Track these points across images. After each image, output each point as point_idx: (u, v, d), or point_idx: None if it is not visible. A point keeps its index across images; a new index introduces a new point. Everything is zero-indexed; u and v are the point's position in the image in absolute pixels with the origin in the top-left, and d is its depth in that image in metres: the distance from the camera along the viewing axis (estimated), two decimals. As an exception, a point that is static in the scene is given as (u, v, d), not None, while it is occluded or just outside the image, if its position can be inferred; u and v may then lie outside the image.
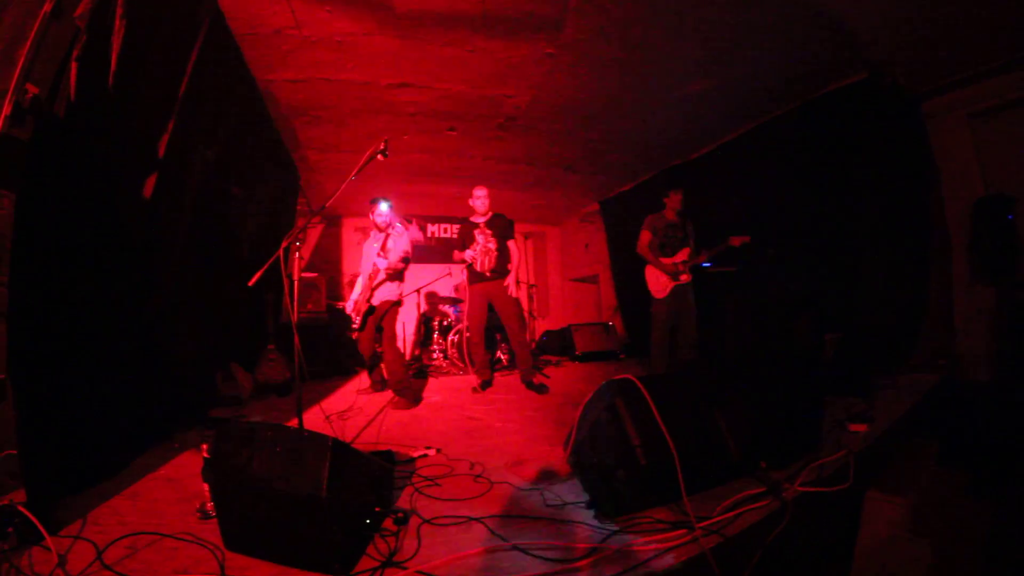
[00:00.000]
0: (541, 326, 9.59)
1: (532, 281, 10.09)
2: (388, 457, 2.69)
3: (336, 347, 6.40)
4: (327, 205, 2.98)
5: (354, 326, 4.44)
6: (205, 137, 3.45)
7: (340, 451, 1.64)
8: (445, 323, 7.33)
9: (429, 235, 9.67)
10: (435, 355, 7.18)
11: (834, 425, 2.83)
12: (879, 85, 4.28)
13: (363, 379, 5.35)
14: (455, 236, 9.60)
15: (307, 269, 7.84)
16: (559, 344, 7.75)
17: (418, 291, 7.46)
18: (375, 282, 4.29)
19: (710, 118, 5.39)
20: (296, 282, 2.65)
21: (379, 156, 2.82)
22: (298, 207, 7.20)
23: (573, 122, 5.54)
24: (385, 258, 4.20)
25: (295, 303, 2.46)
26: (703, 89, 4.68)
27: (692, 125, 5.58)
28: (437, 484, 2.37)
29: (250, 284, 2.46)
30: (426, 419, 3.91)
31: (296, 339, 2.30)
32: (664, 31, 3.81)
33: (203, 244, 3.67)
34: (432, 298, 8.28)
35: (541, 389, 4.73)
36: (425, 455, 2.83)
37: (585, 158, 6.76)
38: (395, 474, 2.36)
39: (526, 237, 10.45)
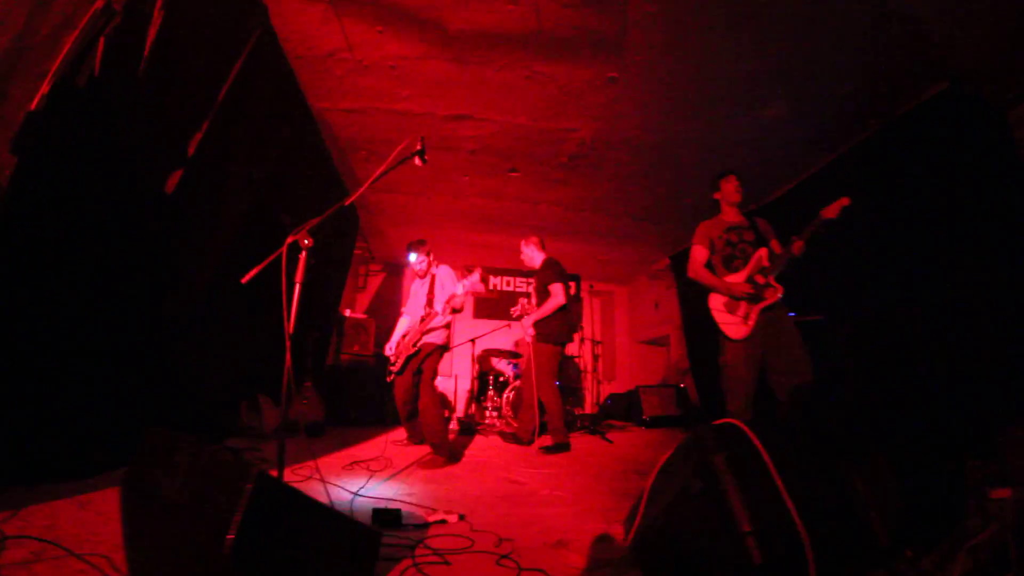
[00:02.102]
0: (607, 389, 8.90)
1: (597, 339, 9.50)
2: (394, 517, 2.19)
3: (380, 393, 6.04)
4: (357, 198, 2.62)
5: (392, 369, 4.07)
6: (249, 153, 3.35)
7: (270, 491, 1.15)
8: (501, 379, 6.97)
9: (491, 287, 9.35)
10: (488, 412, 6.75)
11: (970, 490, 2.12)
12: (961, 96, 3.66)
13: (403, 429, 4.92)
14: (518, 289, 9.31)
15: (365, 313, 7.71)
16: (625, 407, 7.11)
17: (472, 341, 7.11)
18: (428, 325, 3.92)
19: (786, 151, 4.79)
20: (305, 302, 2.31)
21: (415, 159, 2.48)
22: (356, 251, 7.13)
23: (641, 160, 5.11)
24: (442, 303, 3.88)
25: (292, 311, 2.08)
26: (777, 116, 4.16)
27: (767, 161, 4.97)
28: (446, 561, 1.80)
29: (243, 281, 2.15)
30: (461, 478, 3.38)
31: (288, 358, 1.90)
32: (732, 43, 3.40)
33: (243, 268, 3.49)
34: (489, 353, 7.89)
35: (519, 441, 4.60)
36: (443, 521, 2.27)
37: (655, 204, 6.26)
38: (390, 540, 1.86)
39: (591, 293, 9.94)
